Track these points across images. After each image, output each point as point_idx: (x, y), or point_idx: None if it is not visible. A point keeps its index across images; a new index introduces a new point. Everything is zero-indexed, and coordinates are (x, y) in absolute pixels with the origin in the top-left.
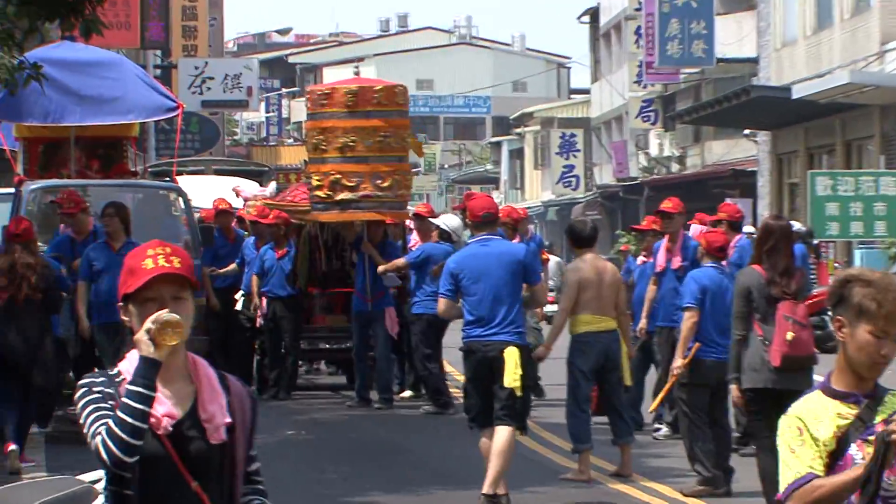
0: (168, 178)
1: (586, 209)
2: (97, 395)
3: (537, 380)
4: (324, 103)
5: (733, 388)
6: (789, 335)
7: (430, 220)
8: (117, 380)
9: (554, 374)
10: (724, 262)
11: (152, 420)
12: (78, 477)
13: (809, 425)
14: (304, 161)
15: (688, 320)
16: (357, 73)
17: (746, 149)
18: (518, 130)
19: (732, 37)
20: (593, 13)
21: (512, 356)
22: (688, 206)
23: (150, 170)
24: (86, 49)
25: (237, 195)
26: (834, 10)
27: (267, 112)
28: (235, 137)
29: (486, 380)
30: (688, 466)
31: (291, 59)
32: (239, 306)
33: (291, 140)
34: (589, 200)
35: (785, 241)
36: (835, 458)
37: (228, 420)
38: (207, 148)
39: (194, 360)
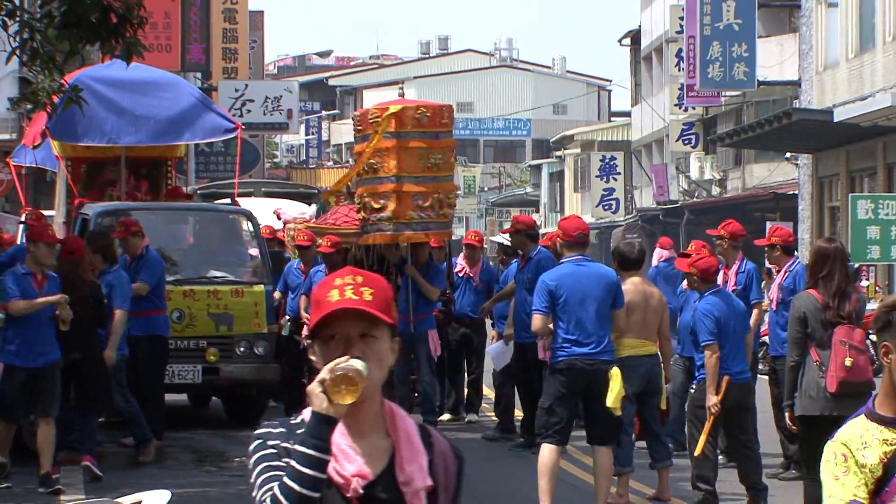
0: (232, 201)
1: (626, 232)
2: (270, 451)
3: None
4: (370, 125)
5: (787, 414)
6: (848, 361)
7: (505, 240)
8: (298, 431)
9: None
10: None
11: (340, 481)
12: (116, 500)
13: (855, 451)
14: (348, 185)
15: (710, 357)
16: (402, 95)
17: (787, 172)
18: (558, 153)
19: (774, 60)
20: (634, 36)
21: (617, 377)
22: None
23: (198, 192)
24: (139, 68)
25: (278, 217)
26: (876, 32)
27: (307, 135)
28: (275, 160)
29: (576, 398)
30: (725, 490)
31: (332, 82)
32: (285, 331)
33: (331, 163)
34: (629, 223)
35: (840, 263)
36: (881, 484)
37: (429, 483)
38: (247, 171)
39: (392, 411)
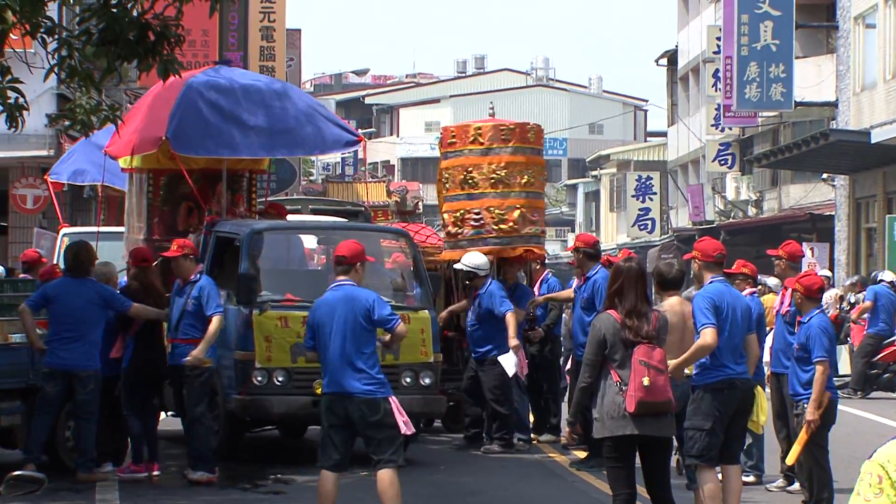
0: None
1: (662, 252)
2: None
3: None
4: (459, 142)
5: (566, 431)
6: (646, 380)
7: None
8: None
9: None
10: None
11: None
12: None
13: (891, 472)
14: (397, 202)
15: (823, 373)
16: (492, 113)
17: (824, 193)
18: (594, 173)
19: (811, 80)
20: (671, 56)
21: (763, 395)
22: (762, 250)
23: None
24: (245, 74)
25: None
26: None
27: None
28: (311, 178)
29: (728, 417)
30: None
31: (368, 100)
32: None
33: (370, 178)
34: (664, 243)
35: (633, 282)
36: None
37: None
38: (283, 188)
39: None
